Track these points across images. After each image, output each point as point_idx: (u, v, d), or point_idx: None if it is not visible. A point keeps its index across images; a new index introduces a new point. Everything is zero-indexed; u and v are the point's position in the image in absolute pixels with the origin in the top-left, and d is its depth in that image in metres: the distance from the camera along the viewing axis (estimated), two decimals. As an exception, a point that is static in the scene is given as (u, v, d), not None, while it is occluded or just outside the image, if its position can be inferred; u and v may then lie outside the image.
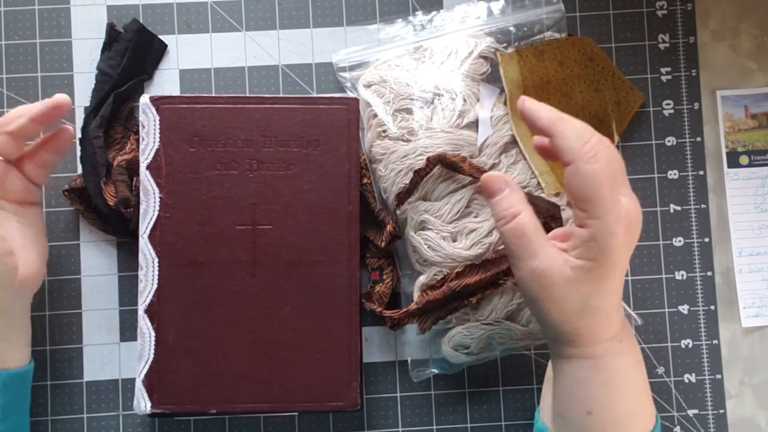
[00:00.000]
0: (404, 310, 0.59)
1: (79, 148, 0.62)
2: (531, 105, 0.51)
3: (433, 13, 0.64)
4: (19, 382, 0.56)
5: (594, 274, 0.48)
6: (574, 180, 0.48)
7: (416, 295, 0.60)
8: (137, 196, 0.58)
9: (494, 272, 0.58)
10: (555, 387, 0.52)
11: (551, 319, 0.50)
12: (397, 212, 0.61)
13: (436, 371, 0.61)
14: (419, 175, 0.59)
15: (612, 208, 0.47)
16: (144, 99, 0.58)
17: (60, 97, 0.55)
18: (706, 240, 0.64)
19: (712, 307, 0.63)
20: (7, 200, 0.56)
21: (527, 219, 0.50)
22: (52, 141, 0.57)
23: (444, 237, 0.59)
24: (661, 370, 0.63)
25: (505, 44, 0.63)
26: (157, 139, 0.58)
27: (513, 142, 0.61)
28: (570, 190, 0.48)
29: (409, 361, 0.62)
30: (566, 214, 0.61)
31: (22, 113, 0.54)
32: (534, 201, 0.58)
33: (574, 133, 0.48)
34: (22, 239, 0.55)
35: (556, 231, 0.52)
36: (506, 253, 0.58)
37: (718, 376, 0.63)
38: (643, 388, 0.52)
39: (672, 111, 0.65)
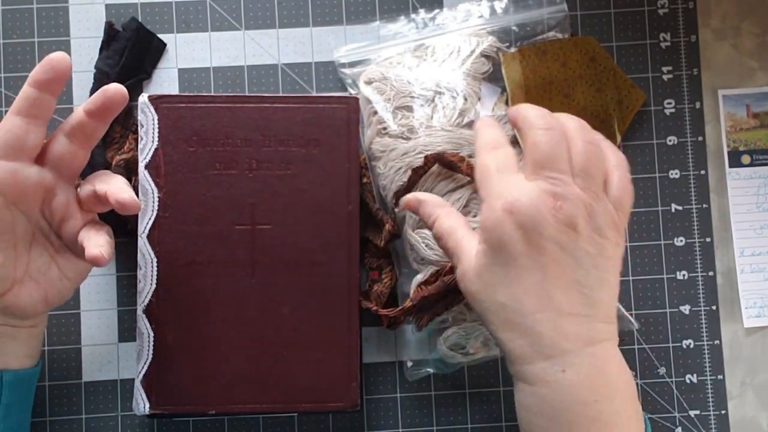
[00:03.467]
0: (400, 308, 0.58)
1: (77, 147, 0.62)
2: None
3: (436, 11, 0.64)
4: (23, 383, 0.55)
5: (489, 260, 0.47)
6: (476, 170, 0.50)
7: (412, 293, 0.59)
8: (136, 195, 0.58)
9: None
10: None
11: (484, 324, 0.49)
12: (396, 210, 0.60)
13: (431, 371, 0.61)
14: (417, 173, 0.59)
15: (493, 189, 0.47)
16: (142, 98, 0.58)
17: (52, 56, 0.49)
18: (708, 240, 0.64)
19: (714, 308, 0.63)
20: (60, 236, 0.53)
21: (441, 220, 0.52)
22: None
23: (443, 236, 0.59)
24: (662, 370, 0.63)
25: (507, 44, 0.62)
26: (156, 139, 0.58)
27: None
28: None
29: (405, 361, 0.62)
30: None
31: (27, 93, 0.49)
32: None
33: (487, 135, 0.51)
34: (38, 274, 0.52)
35: None
36: None
37: (720, 377, 0.63)
38: (606, 425, 0.45)
39: (673, 110, 0.64)
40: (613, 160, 0.49)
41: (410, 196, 0.55)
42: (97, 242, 0.50)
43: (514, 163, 0.49)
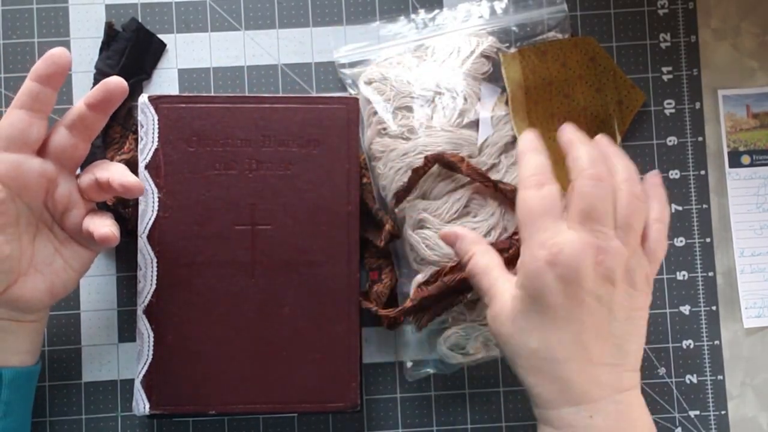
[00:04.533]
0: (400, 308, 0.58)
1: (77, 147, 0.62)
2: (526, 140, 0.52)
3: (436, 11, 0.64)
4: (24, 381, 0.55)
5: (526, 306, 0.47)
6: (516, 205, 0.49)
7: (412, 293, 0.59)
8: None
9: None
10: None
11: (511, 365, 0.49)
12: (396, 210, 0.60)
13: (430, 371, 0.61)
14: (417, 173, 0.59)
15: (536, 234, 0.47)
16: (142, 98, 0.58)
17: (53, 51, 0.50)
18: (708, 240, 0.64)
19: (714, 308, 0.63)
20: (63, 227, 0.54)
21: (477, 259, 0.52)
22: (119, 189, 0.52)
23: (443, 236, 0.59)
24: (662, 370, 0.63)
25: (507, 44, 0.62)
26: (156, 139, 0.58)
27: (513, 143, 0.61)
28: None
29: (405, 361, 0.62)
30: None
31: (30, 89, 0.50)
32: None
33: (532, 164, 0.50)
34: (43, 266, 0.53)
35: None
36: (500, 248, 0.59)
37: (720, 377, 0.63)
38: None
39: (673, 110, 0.64)
40: (656, 212, 0.51)
41: (449, 231, 0.55)
42: (104, 223, 0.52)
43: (559, 206, 0.48)
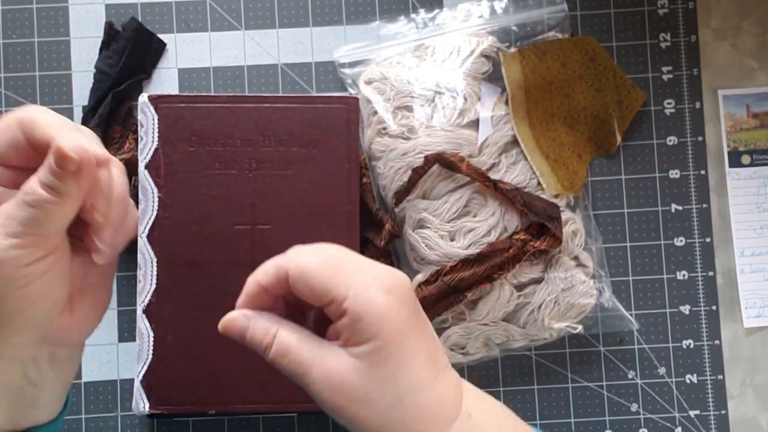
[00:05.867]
0: (401, 309, 0.58)
1: (77, 147, 0.62)
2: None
3: (436, 11, 0.64)
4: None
5: (383, 355, 0.40)
6: (300, 282, 0.41)
7: (413, 293, 0.59)
8: (136, 195, 0.58)
9: (489, 266, 0.58)
10: None
11: (373, 427, 0.42)
12: (396, 210, 0.60)
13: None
14: (417, 173, 0.59)
15: (353, 281, 0.41)
16: (142, 98, 0.58)
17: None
18: (708, 240, 0.64)
19: (714, 308, 0.63)
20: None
21: (285, 333, 0.42)
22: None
23: (442, 236, 0.59)
24: (662, 370, 0.63)
25: (507, 44, 0.62)
26: (156, 139, 0.58)
27: (513, 142, 0.61)
28: (305, 296, 0.42)
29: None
30: (566, 215, 0.60)
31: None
32: (532, 201, 0.58)
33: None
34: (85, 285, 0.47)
35: (330, 330, 0.43)
36: (500, 248, 0.58)
37: (720, 377, 0.63)
38: None
39: (673, 110, 0.64)
40: None
41: (231, 318, 0.45)
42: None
43: None
